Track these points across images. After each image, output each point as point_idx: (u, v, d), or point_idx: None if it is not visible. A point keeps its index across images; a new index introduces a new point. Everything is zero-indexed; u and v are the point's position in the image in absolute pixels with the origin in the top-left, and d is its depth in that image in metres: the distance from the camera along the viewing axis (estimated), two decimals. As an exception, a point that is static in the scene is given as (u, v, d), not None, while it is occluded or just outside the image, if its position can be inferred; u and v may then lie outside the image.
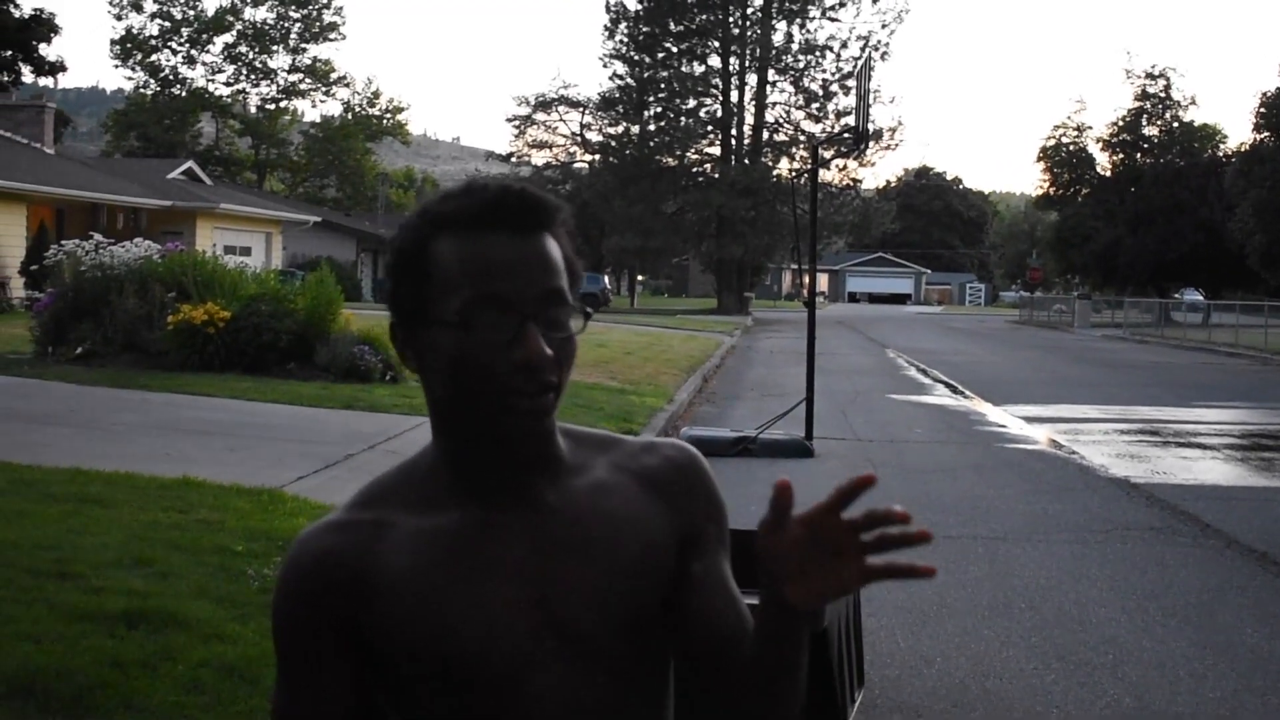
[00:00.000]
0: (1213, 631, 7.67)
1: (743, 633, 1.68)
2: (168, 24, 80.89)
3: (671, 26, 70.44)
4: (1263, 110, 51.64)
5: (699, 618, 1.69)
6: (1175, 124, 73.38)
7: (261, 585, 6.71)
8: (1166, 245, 68.27)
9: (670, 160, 71.69)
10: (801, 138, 69.76)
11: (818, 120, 70.10)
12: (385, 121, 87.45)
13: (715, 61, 71.60)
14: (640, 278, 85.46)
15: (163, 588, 6.55)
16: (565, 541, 1.64)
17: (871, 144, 61.09)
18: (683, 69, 71.43)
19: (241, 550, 7.46)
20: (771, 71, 71.09)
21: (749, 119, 71.97)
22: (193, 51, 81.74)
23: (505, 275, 1.55)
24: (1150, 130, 73.77)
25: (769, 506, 1.47)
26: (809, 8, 69.85)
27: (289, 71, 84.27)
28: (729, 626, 1.69)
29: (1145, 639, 7.44)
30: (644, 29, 70.71)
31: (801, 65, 70.42)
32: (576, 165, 78.45)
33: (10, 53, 51.38)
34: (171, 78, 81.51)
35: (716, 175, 70.17)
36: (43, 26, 52.40)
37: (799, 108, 71.36)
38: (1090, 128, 76.86)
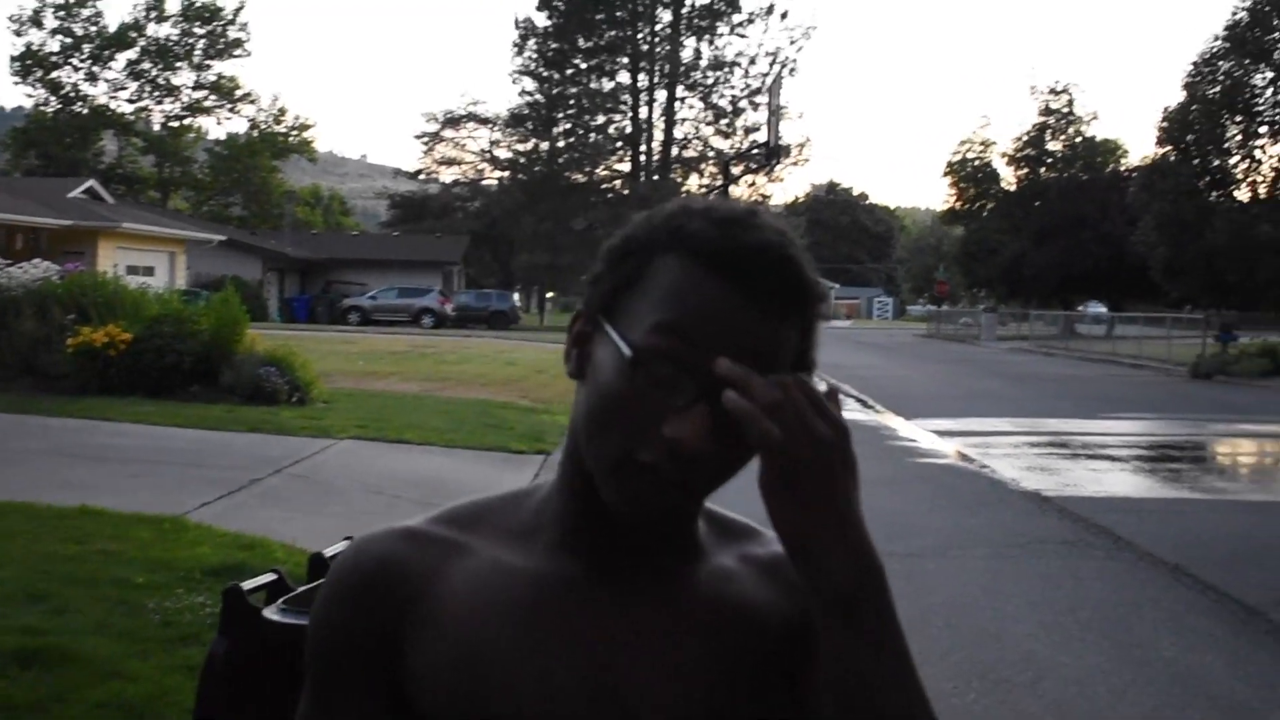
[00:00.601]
0: (1130, 646, 7.66)
1: None
2: (69, 40, 79.77)
3: (580, 43, 70.51)
4: (1165, 125, 52.42)
5: None
6: (1078, 139, 74.49)
7: (163, 619, 6.49)
8: (1071, 258, 69.20)
9: (580, 177, 71.70)
10: (711, 154, 70.09)
11: (727, 136, 70.44)
12: (291, 139, 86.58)
13: (624, 78, 71.78)
14: (550, 295, 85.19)
15: (58, 624, 6.31)
16: (664, 631, 1.37)
17: (781, 159, 61.38)
18: (592, 85, 71.50)
19: (142, 582, 7.22)
20: (681, 88, 71.32)
21: (658, 135, 72.20)
22: (95, 68, 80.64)
23: (711, 336, 1.25)
24: (1054, 145, 74.83)
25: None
26: (718, 24, 70.18)
27: (193, 88, 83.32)
28: None
29: (1063, 655, 7.40)
30: (553, 45, 70.71)
31: (710, 81, 70.74)
32: (485, 182, 78.34)
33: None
34: (73, 95, 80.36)
35: (626, 192, 70.17)
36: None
37: (708, 124, 71.68)
38: (995, 143, 77.90)
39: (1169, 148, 52.45)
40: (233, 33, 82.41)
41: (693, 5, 70.09)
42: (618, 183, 72.55)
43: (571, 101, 71.71)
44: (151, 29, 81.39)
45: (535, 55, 71.46)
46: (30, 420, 14.65)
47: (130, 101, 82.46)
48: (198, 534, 8.82)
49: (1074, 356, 48.80)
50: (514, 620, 1.36)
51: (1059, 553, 10.39)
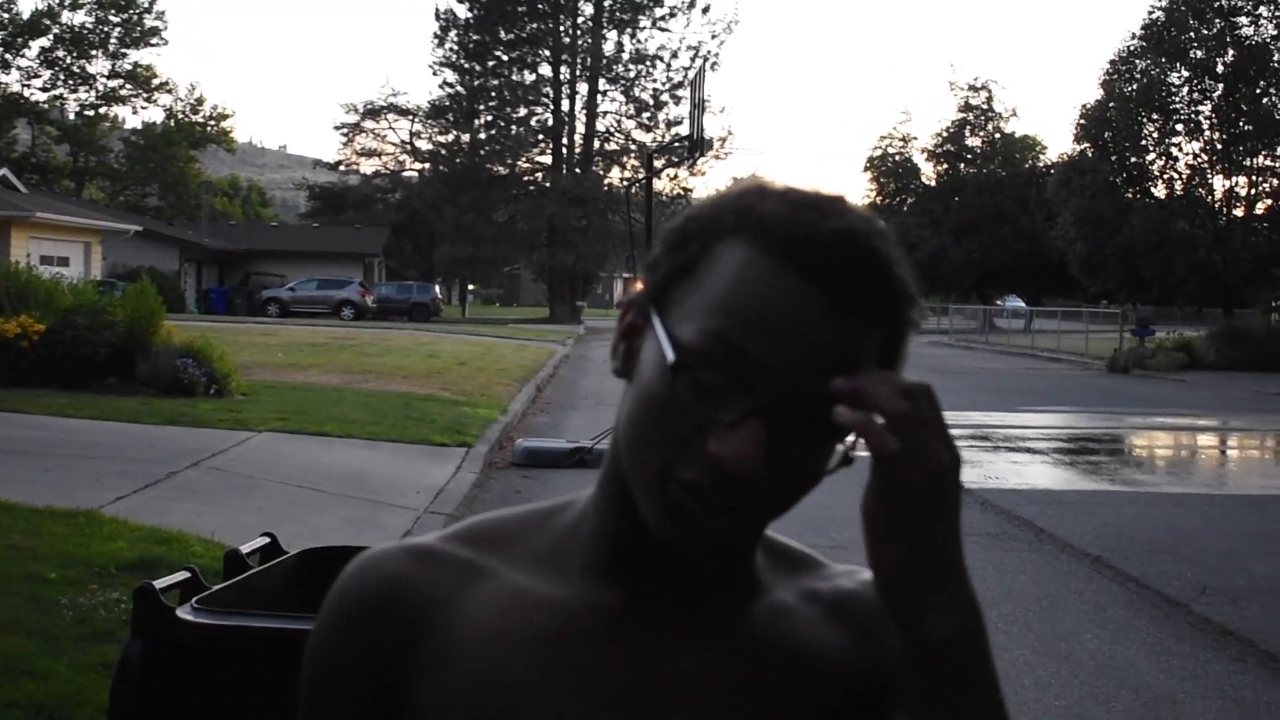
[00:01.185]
0: (1054, 639, 7.68)
1: None
2: (-20, 27, 78.40)
3: (502, 35, 70.26)
4: (1083, 122, 53.01)
5: None
6: (997, 135, 75.30)
7: (77, 615, 6.34)
8: (989, 253, 69.93)
9: (501, 169, 71.47)
10: (633, 147, 70.05)
11: (649, 130, 70.39)
12: (209, 129, 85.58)
13: (546, 70, 71.58)
14: (471, 287, 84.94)
15: (-33, 621, 6.16)
16: (708, 676, 1.19)
17: (703, 153, 61.51)
18: (513, 77, 71.27)
19: (55, 578, 7.06)
20: (602, 81, 71.20)
21: (580, 128, 72.07)
22: (7, 55, 79.15)
23: (773, 339, 1.06)
24: (973, 141, 75.60)
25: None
26: (639, 18, 70.13)
27: (109, 77, 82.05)
28: None
29: (988, 648, 7.40)
30: (474, 37, 70.41)
31: (632, 75, 70.70)
32: (406, 174, 77.73)
33: None
34: (-16, 83, 78.98)
35: (548, 184, 70.03)
36: None
37: (630, 117, 71.66)
38: (915, 138, 78.72)
39: (1087, 145, 53.09)
40: (149, 21, 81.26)
41: (614, -1, 70.11)
42: (539, 175, 72.31)
43: (493, 93, 71.46)
44: (66, 16, 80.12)
45: (456, 47, 71.17)
46: (-61, 413, 14.37)
47: (44, 90, 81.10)
48: (113, 528, 8.65)
49: (993, 350, 49.24)
50: (535, 655, 1.18)
51: (982, 545, 10.42)
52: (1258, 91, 50.22)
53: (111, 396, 16.23)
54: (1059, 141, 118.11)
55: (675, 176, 68.09)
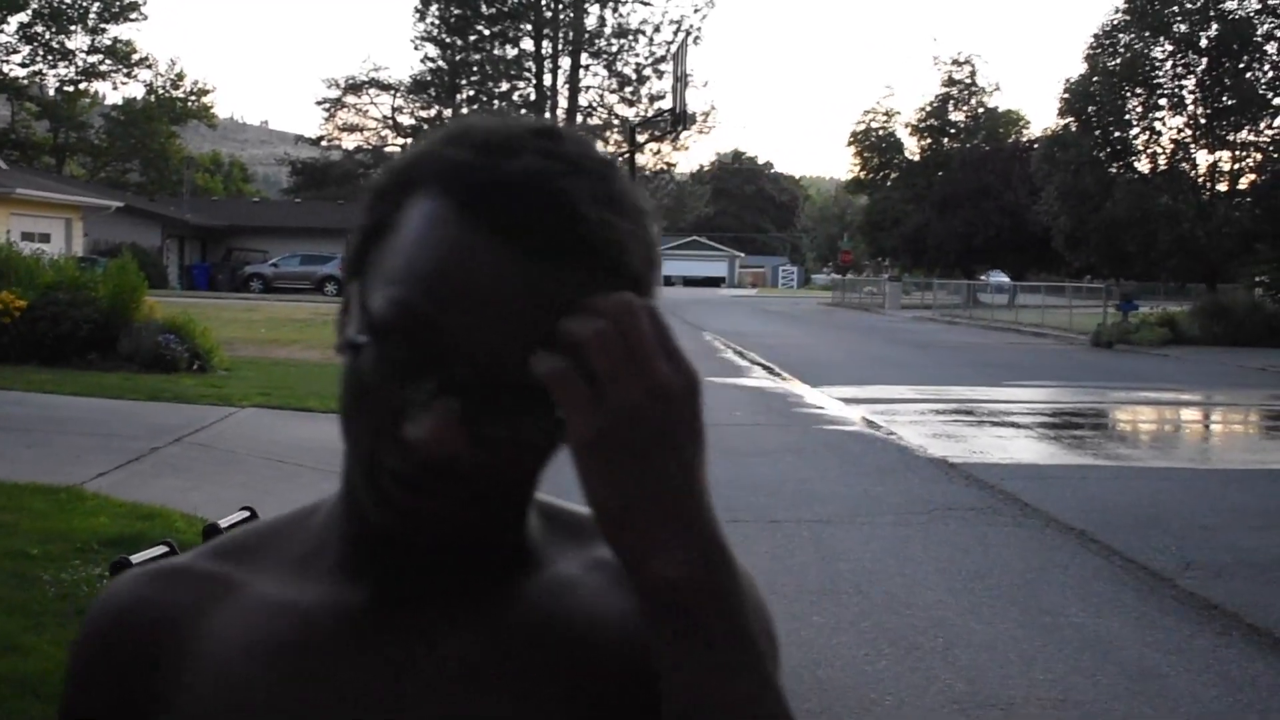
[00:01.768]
0: (1039, 612, 7.68)
1: None
2: (-43, 3, 77.89)
3: (483, 9, 70.11)
4: (1067, 96, 52.91)
5: None
6: (980, 109, 75.07)
7: (59, 591, 6.31)
8: (973, 228, 69.78)
9: (484, 144, 71.34)
10: (615, 121, 69.98)
11: (631, 104, 70.45)
12: (190, 104, 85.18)
13: (528, 44, 71.50)
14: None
15: (-52, 597, 6.12)
16: (477, 665, 1.07)
17: (686, 127, 61.48)
18: (495, 52, 71.16)
19: (37, 554, 7.03)
20: (585, 55, 71.14)
21: (563, 102, 71.98)
22: (-15, 31, 78.83)
23: (462, 303, 0.94)
24: (956, 115, 75.35)
25: None
26: (622, -9, 70.03)
27: (88, 52, 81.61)
28: None
29: (973, 621, 7.41)
30: (455, 11, 70.24)
31: (615, 49, 70.66)
32: (388, 149, 77.50)
33: None
34: (-37, 59, 78.50)
35: (531, 158, 69.82)
36: None
37: (612, 91, 71.66)
38: (899, 113, 78.22)
39: (1070, 119, 52.96)
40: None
41: (597, -28, 69.94)
42: (522, 150, 72.19)
43: (475, 68, 71.38)
44: (45, -9, 79.70)
45: (438, 21, 71.03)
46: (-80, 389, 14.29)
47: (23, 65, 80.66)
48: (95, 504, 8.62)
49: (977, 325, 49.31)
50: (275, 666, 1.07)
51: (967, 519, 10.43)
52: (1241, 66, 50.15)
53: (93, 373, 16.17)
54: (1043, 116, 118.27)
55: (659, 151, 68.17)
